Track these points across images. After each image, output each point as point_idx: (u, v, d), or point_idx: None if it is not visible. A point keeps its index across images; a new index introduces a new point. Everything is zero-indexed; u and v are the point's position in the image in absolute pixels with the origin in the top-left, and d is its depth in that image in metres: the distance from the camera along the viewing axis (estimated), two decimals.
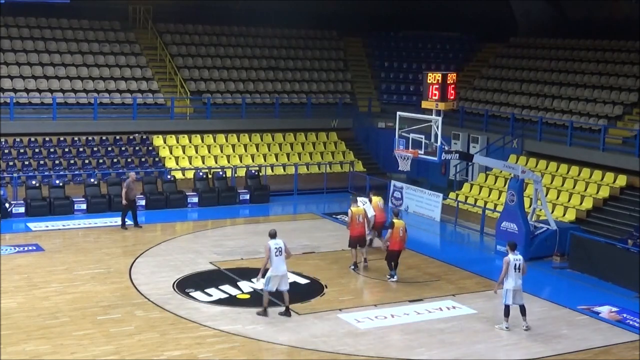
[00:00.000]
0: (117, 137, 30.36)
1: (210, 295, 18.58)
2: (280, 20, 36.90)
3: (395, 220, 19.94)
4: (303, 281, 20.14)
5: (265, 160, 31.86)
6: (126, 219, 24.58)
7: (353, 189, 30.33)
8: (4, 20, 32.17)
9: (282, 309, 17.38)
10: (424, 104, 21.90)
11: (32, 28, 32.95)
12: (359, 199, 22.16)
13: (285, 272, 17.10)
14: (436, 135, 21.35)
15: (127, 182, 24.55)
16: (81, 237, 24.00)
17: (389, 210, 23.98)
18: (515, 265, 16.86)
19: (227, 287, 19.20)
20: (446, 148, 21.98)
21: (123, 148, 30.12)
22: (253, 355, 15.48)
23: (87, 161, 29.00)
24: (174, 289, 18.97)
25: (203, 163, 30.69)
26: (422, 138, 21.58)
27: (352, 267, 20.96)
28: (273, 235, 17.19)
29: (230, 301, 18.36)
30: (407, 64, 37.86)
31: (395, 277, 20.08)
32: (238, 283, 19.57)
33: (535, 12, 35.88)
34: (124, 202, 24.36)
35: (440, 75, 21.43)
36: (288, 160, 32.13)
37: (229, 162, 31.21)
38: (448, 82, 21.34)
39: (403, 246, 20.06)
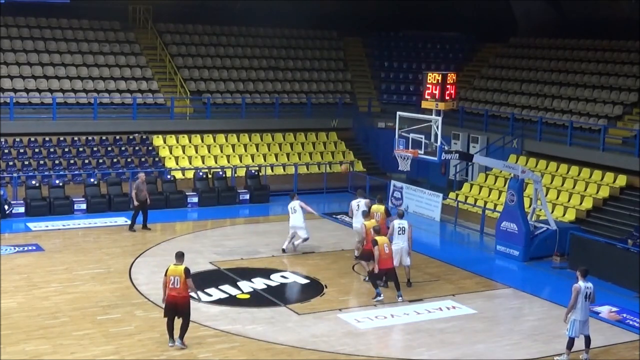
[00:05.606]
0: (117, 137, 30.36)
1: (210, 295, 18.58)
2: (280, 20, 36.90)
3: (377, 238, 18.56)
4: (303, 281, 20.15)
5: (265, 160, 31.86)
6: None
7: (353, 189, 30.29)
8: (4, 20, 32.17)
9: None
10: (424, 104, 21.88)
11: (32, 28, 32.95)
12: (355, 201, 21.92)
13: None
14: (436, 135, 21.34)
15: (137, 183, 24.30)
16: (81, 237, 23.99)
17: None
18: (587, 293, 15.52)
19: (227, 287, 19.20)
20: (446, 148, 21.95)
21: (123, 148, 30.12)
22: (253, 355, 15.48)
23: (87, 161, 28.99)
24: None
25: (203, 163, 30.70)
26: (422, 138, 21.54)
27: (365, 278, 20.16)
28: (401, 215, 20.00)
29: (230, 301, 18.37)
30: (407, 64, 37.87)
31: (381, 295, 18.71)
32: (238, 283, 19.57)
33: (535, 12, 35.87)
34: (135, 203, 24.16)
35: (440, 75, 21.39)
36: (288, 160, 32.13)
37: (228, 162, 31.21)
38: (448, 82, 21.30)
39: (392, 263, 18.76)
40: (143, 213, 24.36)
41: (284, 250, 22.48)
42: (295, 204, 22.31)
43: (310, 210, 22.72)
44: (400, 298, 18.69)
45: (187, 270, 15.35)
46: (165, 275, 15.39)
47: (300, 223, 22.26)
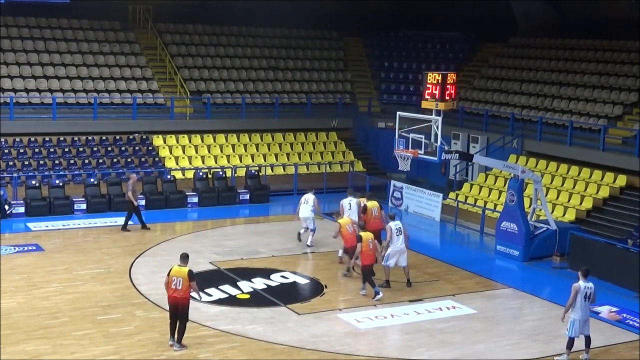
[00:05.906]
0: (117, 137, 30.36)
1: (210, 295, 18.58)
2: (280, 20, 36.90)
3: (362, 234, 18.98)
4: (303, 281, 20.15)
5: (265, 160, 31.86)
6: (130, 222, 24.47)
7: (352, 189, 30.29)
8: (4, 20, 32.17)
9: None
10: (424, 104, 21.89)
11: (32, 28, 32.95)
12: (346, 200, 22.21)
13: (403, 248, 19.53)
14: (436, 135, 21.34)
15: (130, 183, 24.36)
16: (81, 237, 23.99)
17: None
18: (586, 293, 15.49)
19: (227, 287, 19.20)
20: (446, 148, 21.96)
21: (123, 148, 30.12)
22: (253, 355, 15.49)
23: (87, 161, 28.99)
24: None
25: (203, 163, 30.69)
26: (422, 138, 21.55)
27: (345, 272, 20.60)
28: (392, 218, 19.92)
29: (230, 301, 18.37)
30: (407, 64, 37.88)
31: (380, 293, 18.73)
32: (238, 283, 19.58)
33: (535, 12, 35.87)
34: (135, 204, 24.18)
35: (440, 75, 21.41)
36: (288, 160, 32.13)
37: (228, 162, 31.21)
38: (448, 82, 21.32)
39: (374, 259, 19.00)
40: (137, 213, 24.41)
41: (299, 239, 23.05)
42: (308, 196, 23.04)
43: (317, 209, 23.28)
44: (379, 294, 18.63)
45: (191, 272, 15.31)
46: (168, 275, 15.38)
47: (305, 215, 22.87)
